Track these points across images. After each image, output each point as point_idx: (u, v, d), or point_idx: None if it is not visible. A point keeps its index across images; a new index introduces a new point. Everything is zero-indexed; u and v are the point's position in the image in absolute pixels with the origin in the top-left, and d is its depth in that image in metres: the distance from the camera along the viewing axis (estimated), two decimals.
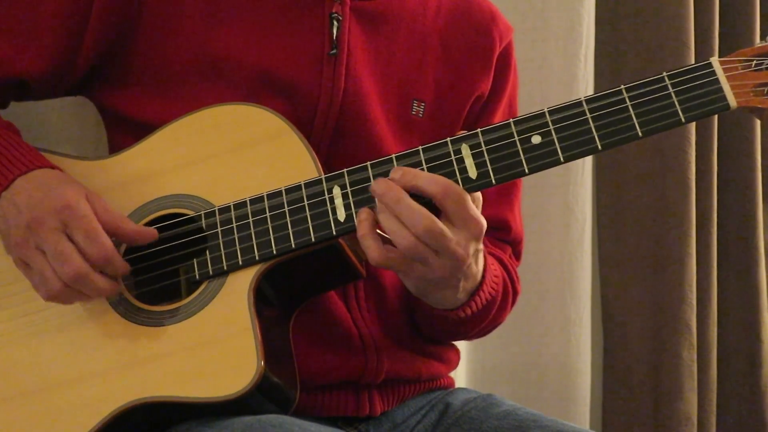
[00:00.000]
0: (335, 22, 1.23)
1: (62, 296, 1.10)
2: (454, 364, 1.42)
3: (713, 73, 1.06)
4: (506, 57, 1.38)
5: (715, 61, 1.07)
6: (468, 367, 1.91)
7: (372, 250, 1.06)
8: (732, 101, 1.05)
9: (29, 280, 1.12)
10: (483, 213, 1.33)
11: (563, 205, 1.97)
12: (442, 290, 1.14)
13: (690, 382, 2.10)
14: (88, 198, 1.10)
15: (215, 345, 1.08)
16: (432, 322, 1.27)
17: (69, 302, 1.12)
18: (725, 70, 1.06)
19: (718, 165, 2.20)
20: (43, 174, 1.13)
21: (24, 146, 1.16)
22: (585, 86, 1.96)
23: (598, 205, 2.13)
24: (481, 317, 1.25)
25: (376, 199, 1.07)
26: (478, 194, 1.11)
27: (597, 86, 2.05)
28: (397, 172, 1.08)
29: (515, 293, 1.36)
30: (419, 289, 1.15)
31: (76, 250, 1.07)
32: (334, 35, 1.23)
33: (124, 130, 1.24)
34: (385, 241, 1.07)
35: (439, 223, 1.05)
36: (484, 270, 1.18)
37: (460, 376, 1.83)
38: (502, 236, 1.39)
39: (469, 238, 1.07)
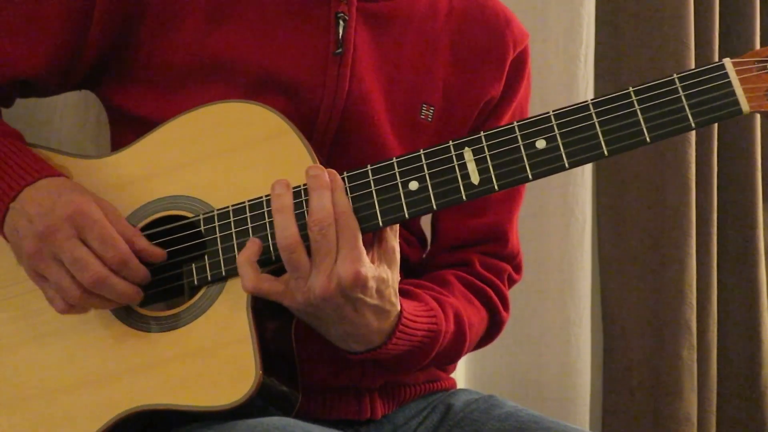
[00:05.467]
0: (341, 22, 1.22)
1: (80, 305, 1.09)
2: (452, 367, 1.42)
3: (726, 75, 1.02)
4: (521, 63, 1.36)
5: (727, 62, 1.03)
6: (468, 368, 1.91)
7: (248, 278, 1.07)
8: (745, 106, 1.01)
9: (44, 293, 1.10)
10: (481, 220, 1.32)
11: (563, 205, 1.97)
12: (319, 325, 1.12)
13: (690, 382, 2.10)
14: (98, 204, 1.10)
15: (214, 352, 1.08)
16: None
17: (86, 311, 1.11)
18: (738, 72, 1.01)
19: (718, 165, 2.20)
20: (50, 183, 1.12)
21: (30, 156, 1.16)
22: (585, 87, 1.96)
23: (598, 205, 2.13)
24: (398, 364, 1.21)
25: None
26: (393, 248, 1.10)
27: (597, 87, 2.04)
28: (330, 175, 1.08)
29: (500, 323, 1.34)
30: (304, 319, 1.13)
31: (93, 254, 1.06)
32: (340, 35, 1.22)
33: (127, 127, 1.24)
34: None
35: (334, 230, 1.05)
36: (395, 328, 1.13)
37: (460, 377, 1.83)
38: (497, 249, 1.36)
39: (324, 279, 1.05)
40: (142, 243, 1.10)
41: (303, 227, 1.07)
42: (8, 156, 1.14)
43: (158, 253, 1.11)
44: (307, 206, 1.07)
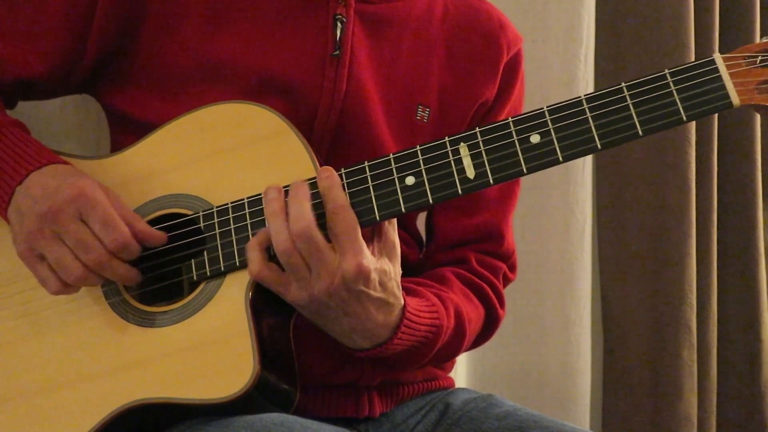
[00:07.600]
0: (339, 24, 1.22)
1: (77, 284, 1.10)
2: (450, 366, 1.42)
3: (716, 70, 1.04)
4: (514, 66, 1.37)
5: (718, 57, 1.05)
6: (468, 368, 1.91)
7: (254, 262, 1.07)
8: (735, 99, 1.03)
9: (35, 274, 1.11)
10: (476, 219, 1.32)
11: (563, 205, 1.97)
12: (324, 322, 1.12)
13: (690, 382, 2.10)
14: (102, 189, 1.11)
15: (212, 347, 1.09)
16: None
17: (77, 291, 1.12)
18: (728, 67, 1.03)
19: (718, 165, 2.20)
20: (56, 168, 1.13)
21: (36, 144, 1.17)
22: (585, 87, 1.96)
23: (598, 205, 2.13)
24: (402, 360, 1.22)
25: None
26: (393, 242, 1.10)
27: (597, 87, 2.04)
28: (326, 172, 1.08)
29: (496, 319, 1.35)
30: (308, 316, 1.14)
31: (95, 237, 1.08)
32: (338, 36, 1.22)
33: (127, 130, 1.25)
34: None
35: (319, 235, 1.05)
36: (400, 322, 1.14)
37: (460, 377, 1.83)
38: (493, 248, 1.36)
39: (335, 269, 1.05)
40: (141, 225, 1.11)
41: None
42: (15, 143, 1.15)
43: (158, 235, 1.12)
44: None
